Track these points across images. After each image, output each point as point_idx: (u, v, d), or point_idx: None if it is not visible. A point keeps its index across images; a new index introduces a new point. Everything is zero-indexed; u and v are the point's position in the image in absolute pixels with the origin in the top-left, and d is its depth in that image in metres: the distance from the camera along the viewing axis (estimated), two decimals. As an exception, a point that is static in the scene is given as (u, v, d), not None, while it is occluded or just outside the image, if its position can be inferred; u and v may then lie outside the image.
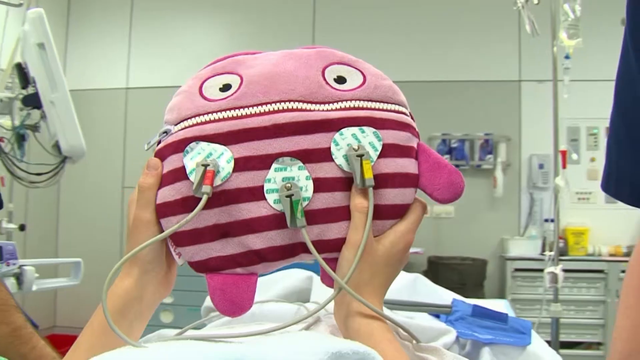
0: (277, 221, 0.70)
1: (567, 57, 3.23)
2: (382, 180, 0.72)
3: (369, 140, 0.72)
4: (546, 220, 5.14)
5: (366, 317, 0.71)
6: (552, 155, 3.72)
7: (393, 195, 0.74)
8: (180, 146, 0.71)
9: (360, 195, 0.71)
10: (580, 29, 3.14)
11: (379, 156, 0.73)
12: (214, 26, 5.97)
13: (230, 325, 1.08)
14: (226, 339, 0.63)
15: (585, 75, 4.60)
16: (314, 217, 0.71)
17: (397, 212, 0.75)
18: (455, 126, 5.51)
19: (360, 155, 0.70)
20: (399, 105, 0.79)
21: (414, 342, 0.84)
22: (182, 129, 0.73)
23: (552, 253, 3.32)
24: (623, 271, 4.75)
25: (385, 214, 0.74)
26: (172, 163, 0.72)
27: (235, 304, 0.71)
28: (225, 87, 0.75)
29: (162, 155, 0.73)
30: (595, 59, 4.49)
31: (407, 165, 0.75)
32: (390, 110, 0.77)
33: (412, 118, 0.81)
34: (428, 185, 0.76)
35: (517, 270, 4.94)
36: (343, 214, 0.72)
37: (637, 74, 0.78)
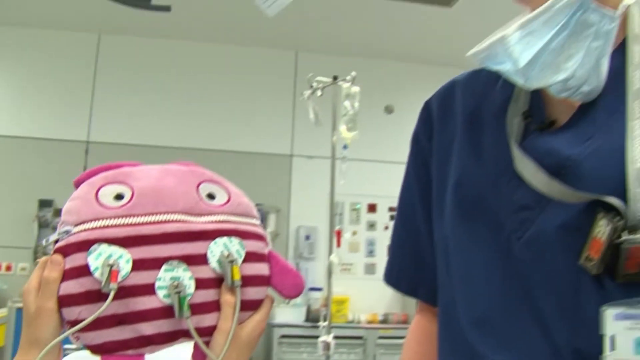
0: (165, 312, 0.83)
1: (345, 147, 3.53)
2: (245, 281, 0.88)
3: (236, 248, 0.88)
4: (311, 289, 5.42)
5: None
6: (318, 228, 4.02)
7: (253, 293, 0.90)
8: (83, 246, 0.82)
9: (229, 292, 0.85)
10: (357, 122, 3.46)
11: (243, 261, 0.89)
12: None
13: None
14: None
15: (348, 155, 5.00)
16: (193, 309, 0.85)
17: (255, 305, 0.91)
18: (228, 195, 5.62)
19: (231, 261, 0.85)
20: (255, 219, 0.97)
21: None
22: (83, 230, 0.84)
23: (326, 323, 3.52)
24: (380, 337, 5.18)
25: (247, 307, 0.89)
26: (75, 260, 0.82)
27: None
28: (119, 197, 0.88)
29: (64, 252, 0.83)
30: (359, 141, 4.91)
31: (263, 269, 0.92)
32: (250, 224, 0.94)
33: (263, 228, 0.99)
34: (278, 284, 0.93)
35: (283, 336, 5.12)
36: (215, 306, 0.87)
37: (418, 203, 1.03)
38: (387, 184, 5.11)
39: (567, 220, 0.74)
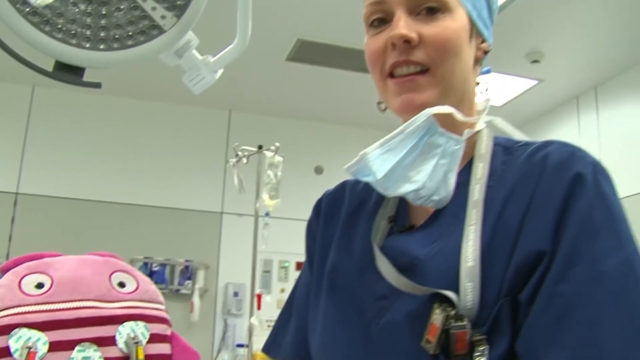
0: None
1: (267, 214, 3.68)
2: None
3: (141, 331, 0.99)
4: (238, 345, 5.46)
5: None
6: (246, 285, 4.12)
7: None
8: (5, 330, 0.92)
9: None
10: (280, 190, 3.62)
11: (147, 342, 1.00)
12: None
13: None
14: None
15: (279, 214, 5.13)
16: None
17: None
18: (158, 251, 5.68)
19: (136, 342, 0.96)
20: (160, 304, 1.08)
21: None
22: (6, 316, 0.94)
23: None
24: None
25: None
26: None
27: None
28: (39, 285, 0.99)
29: None
30: (289, 200, 5.05)
31: (165, 348, 1.03)
32: (155, 309, 1.06)
33: (167, 312, 1.09)
34: None
35: (209, 394, 5.13)
36: None
37: (312, 285, 1.13)
38: (315, 243, 5.23)
39: (413, 309, 0.86)
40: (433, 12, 0.93)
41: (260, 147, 4.00)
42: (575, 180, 0.83)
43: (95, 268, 1.05)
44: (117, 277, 1.06)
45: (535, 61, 4.86)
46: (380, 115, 1.12)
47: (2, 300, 0.96)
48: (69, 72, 1.32)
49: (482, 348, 0.79)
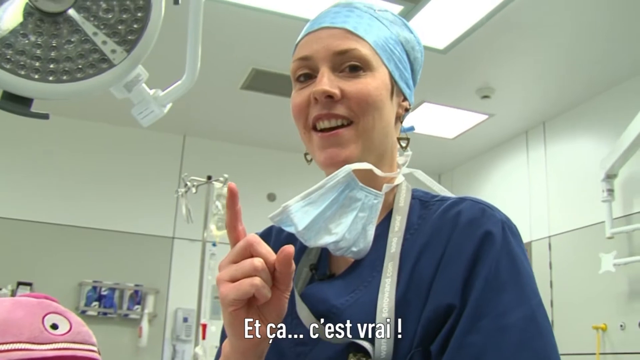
0: None
1: (214, 244, 3.73)
2: None
3: None
4: (186, 372, 5.41)
5: None
6: (196, 310, 4.12)
7: None
8: None
9: None
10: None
11: None
12: None
13: None
14: None
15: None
16: None
17: None
18: (107, 274, 5.61)
19: None
20: (92, 345, 1.11)
21: None
22: None
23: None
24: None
25: None
26: None
27: None
28: None
29: None
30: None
31: None
32: (87, 350, 1.09)
33: (99, 353, 1.12)
34: None
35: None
36: None
37: None
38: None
39: (330, 357, 0.91)
40: (356, 70, 0.98)
41: (209, 178, 4.03)
42: (485, 238, 0.87)
43: (28, 309, 1.07)
44: (50, 319, 1.08)
45: (485, 96, 5.00)
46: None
47: None
48: (17, 102, 1.33)
49: None
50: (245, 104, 5.40)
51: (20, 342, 1.00)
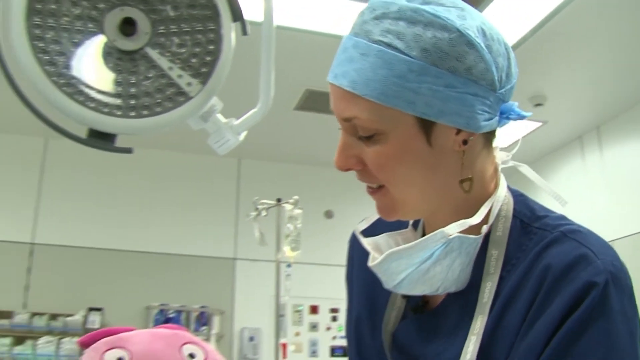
0: None
1: (288, 265, 3.80)
2: None
3: None
4: (255, 390, 5.49)
5: None
6: (261, 330, 4.20)
7: None
8: None
9: None
10: (300, 242, 3.72)
11: None
12: None
13: None
14: None
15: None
16: None
17: None
18: (173, 297, 5.76)
19: None
20: None
21: None
22: None
23: None
24: None
25: None
26: None
27: None
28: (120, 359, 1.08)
29: None
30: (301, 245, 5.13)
31: None
32: None
33: None
34: None
35: None
36: None
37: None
38: (329, 286, 5.31)
39: None
40: (368, 137, 0.84)
41: (279, 200, 4.10)
42: (578, 293, 0.78)
43: (166, 341, 1.13)
44: (187, 349, 1.13)
45: (538, 104, 4.98)
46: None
47: None
48: (101, 139, 1.42)
49: None
50: (298, 124, 5.50)
51: None
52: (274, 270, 4.35)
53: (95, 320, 5.64)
